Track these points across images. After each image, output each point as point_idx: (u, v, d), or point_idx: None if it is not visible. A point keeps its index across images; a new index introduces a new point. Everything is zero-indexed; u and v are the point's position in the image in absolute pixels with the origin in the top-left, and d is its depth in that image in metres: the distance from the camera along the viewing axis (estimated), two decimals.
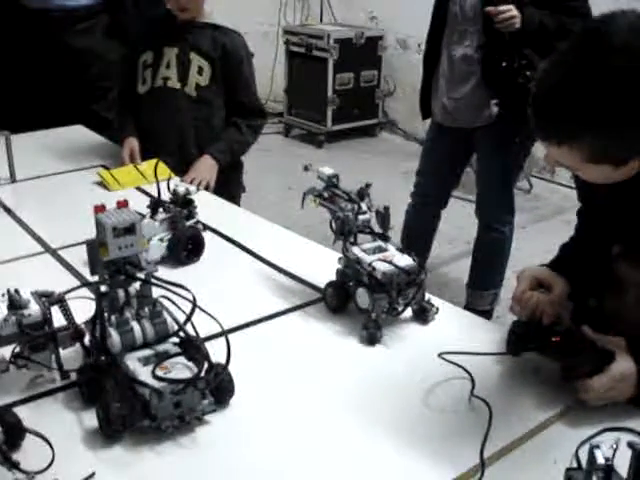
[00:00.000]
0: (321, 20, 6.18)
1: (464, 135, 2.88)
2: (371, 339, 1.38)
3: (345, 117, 5.67)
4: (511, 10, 2.46)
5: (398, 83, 5.88)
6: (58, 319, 1.26)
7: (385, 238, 1.46)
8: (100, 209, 1.17)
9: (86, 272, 1.60)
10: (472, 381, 1.23)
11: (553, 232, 4.18)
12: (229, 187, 2.43)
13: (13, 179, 2.30)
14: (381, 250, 1.45)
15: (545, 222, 4.43)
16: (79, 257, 1.74)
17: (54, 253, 1.80)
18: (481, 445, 1.08)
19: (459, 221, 4.39)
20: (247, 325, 1.44)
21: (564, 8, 2.48)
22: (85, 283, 1.33)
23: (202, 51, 2.37)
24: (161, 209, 1.77)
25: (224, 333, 1.14)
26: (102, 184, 2.24)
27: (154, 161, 1.92)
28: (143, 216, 1.66)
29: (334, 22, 6.05)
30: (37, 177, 2.34)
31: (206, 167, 2.34)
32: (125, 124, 2.48)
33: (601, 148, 1.12)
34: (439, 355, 1.29)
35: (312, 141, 5.67)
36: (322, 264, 1.61)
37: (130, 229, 1.16)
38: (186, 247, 1.73)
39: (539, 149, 4.86)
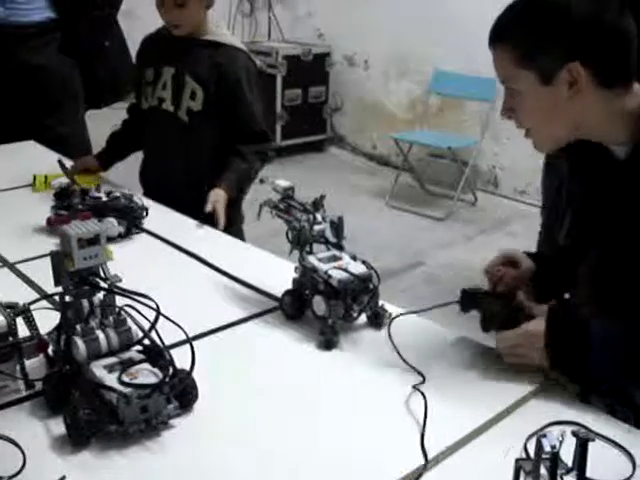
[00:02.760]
0: (269, 37, 6.25)
1: None
2: (328, 344, 1.43)
3: (294, 132, 5.75)
4: None
5: (345, 99, 5.98)
6: (22, 330, 1.29)
7: (339, 247, 1.52)
8: (65, 220, 1.20)
9: (45, 285, 1.65)
10: (422, 377, 1.30)
11: (497, 243, 4.32)
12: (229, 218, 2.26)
13: None
14: (336, 259, 1.50)
15: (489, 234, 4.55)
16: (37, 270, 1.77)
17: (12, 267, 1.81)
18: (421, 438, 1.14)
19: (406, 232, 4.49)
20: (208, 333, 1.48)
21: None
22: (49, 294, 1.36)
23: (196, 73, 2.26)
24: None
25: (188, 340, 1.18)
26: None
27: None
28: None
29: (282, 39, 6.13)
30: None
31: (221, 203, 2.19)
32: (109, 141, 2.51)
33: (527, 50, 1.28)
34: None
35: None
36: (278, 274, 1.66)
37: (94, 240, 1.19)
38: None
39: (483, 161, 5.01)
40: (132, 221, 2.00)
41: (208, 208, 2.14)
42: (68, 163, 2.53)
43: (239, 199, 2.41)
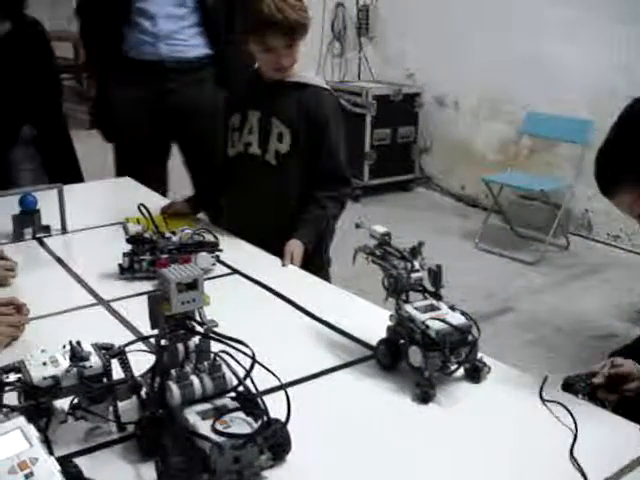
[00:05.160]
0: (359, 77, 6.28)
1: None
2: (424, 397, 1.38)
3: (382, 172, 5.74)
4: None
5: (434, 139, 5.94)
6: (116, 371, 1.29)
7: (438, 296, 1.48)
8: (165, 264, 1.20)
9: (138, 325, 1.67)
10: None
11: (590, 290, 4.18)
12: (314, 263, 2.26)
13: (64, 230, 2.36)
14: (433, 308, 1.45)
15: (582, 280, 4.41)
16: (131, 309, 1.78)
17: (107, 305, 1.83)
18: None
19: (495, 276, 4.39)
20: (300, 381, 1.45)
21: None
22: (144, 337, 1.35)
23: (284, 116, 2.25)
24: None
25: (284, 390, 1.16)
26: None
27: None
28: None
29: (372, 79, 6.15)
30: (87, 228, 2.40)
31: (297, 253, 2.16)
32: (201, 187, 2.55)
33: None
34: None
35: (354, 190, 5.71)
36: (371, 321, 1.63)
37: (193, 285, 1.18)
38: None
39: (576, 205, 4.88)
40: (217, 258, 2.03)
41: (285, 262, 2.12)
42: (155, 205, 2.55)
43: (323, 245, 2.39)
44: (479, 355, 1.46)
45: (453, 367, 1.41)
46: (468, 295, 3.65)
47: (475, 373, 1.45)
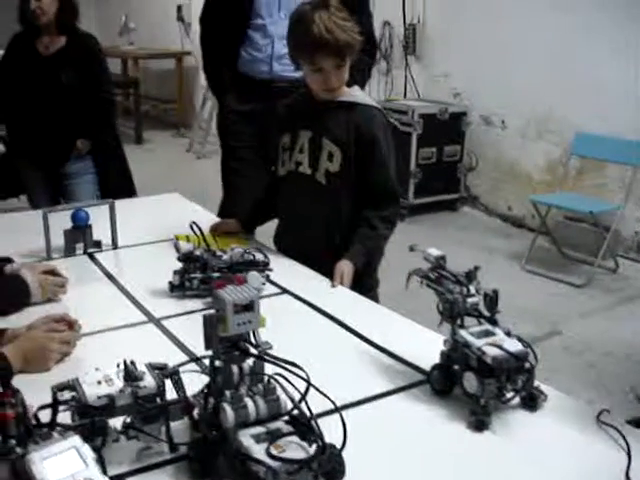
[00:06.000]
0: (405, 96, 6.27)
1: None
2: (479, 425, 1.35)
3: (427, 191, 5.70)
4: None
5: (481, 158, 5.89)
6: (169, 391, 1.28)
7: (493, 322, 1.45)
8: (221, 285, 1.19)
9: (189, 343, 1.66)
10: None
11: None
12: (363, 283, 2.23)
13: (115, 246, 2.38)
14: (489, 334, 1.43)
15: (631, 303, 4.32)
16: (181, 328, 1.78)
17: (157, 323, 1.83)
18: None
19: (542, 298, 4.33)
20: (352, 405, 1.43)
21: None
22: (198, 357, 1.35)
23: (334, 135, 2.25)
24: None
25: (340, 413, 1.14)
26: None
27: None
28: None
29: (418, 98, 6.13)
30: (137, 244, 2.41)
31: (347, 273, 2.16)
32: (252, 206, 2.57)
33: None
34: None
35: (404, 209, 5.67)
36: (424, 345, 1.61)
37: (249, 306, 1.18)
38: None
39: (626, 227, 4.79)
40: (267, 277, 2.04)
41: (335, 283, 2.11)
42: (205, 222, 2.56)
43: (372, 265, 2.36)
44: (535, 383, 1.43)
45: (509, 395, 1.38)
46: (515, 318, 3.59)
47: (531, 401, 1.42)
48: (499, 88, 5.53)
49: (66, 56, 3.43)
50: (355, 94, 2.31)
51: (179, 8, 8.66)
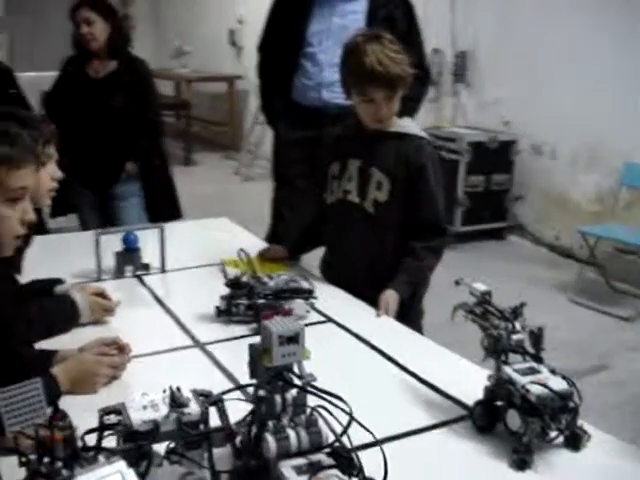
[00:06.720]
0: (454, 123, 6.26)
1: None
2: (521, 464, 1.34)
3: (474, 219, 5.67)
4: None
5: (529, 188, 5.84)
6: (213, 418, 1.30)
7: (538, 359, 1.44)
8: (268, 316, 1.21)
9: (234, 370, 1.68)
10: None
11: None
12: (408, 313, 2.24)
13: (163, 269, 2.41)
14: (534, 371, 1.42)
15: None
16: (227, 353, 1.80)
17: (202, 348, 1.86)
18: None
19: (589, 331, 4.26)
20: (393, 439, 1.43)
21: None
22: (242, 385, 1.36)
23: (383, 165, 2.26)
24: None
25: (381, 448, 1.14)
26: None
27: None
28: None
29: (467, 125, 6.12)
30: (185, 268, 2.45)
31: (392, 303, 2.16)
32: (300, 233, 2.60)
33: None
34: None
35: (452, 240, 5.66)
36: (467, 378, 1.61)
37: (294, 338, 1.19)
38: None
39: None
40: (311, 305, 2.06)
41: (380, 312, 2.12)
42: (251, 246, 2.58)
43: (418, 296, 2.36)
44: (579, 422, 1.41)
45: (553, 434, 1.37)
46: (560, 350, 3.52)
47: (575, 441, 1.40)
48: (549, 117, 5.49)
49: (116, 80, 3.51)
50: (405, 124, 2.32)
51: (231, 32, 8.80)
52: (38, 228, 3.09)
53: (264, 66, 3.34)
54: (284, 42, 3.17)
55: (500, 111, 5.94)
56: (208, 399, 1.30)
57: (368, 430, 1.16)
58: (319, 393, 1.20)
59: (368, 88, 2.18)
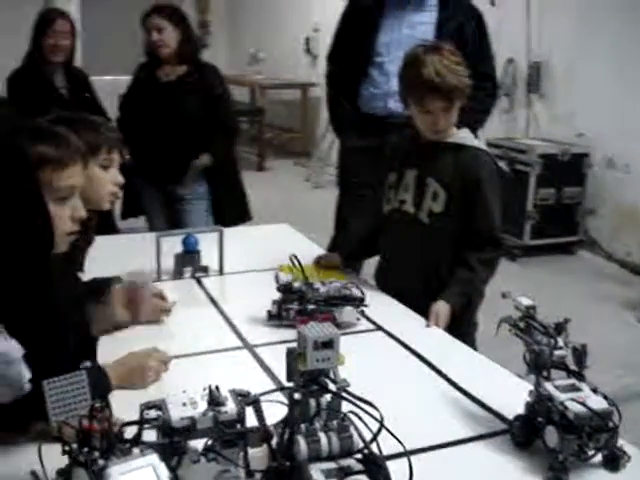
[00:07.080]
0: (527, 134, 6.18)
1: None
2: None
3: (544, 232, 5.57)
4: None
5: (602, 202, 5.72)
6: (250, 417, 1.32)
7: (580, 377, 1.42)
8: (304, 321, 1.23)
9: (279, 373, 1.71)
10: None
11: None
12: (460, 325, 2.23)
13: (221, 272, 2.46)
14: (575, 389, 1.40)
15: None
16: (274, 356, 1.83)
17: (251, 350, 1.89)
18: None
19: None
20: (427, 449, 1.43)
21: None
22: (280, 387, 1.39)
23: (440, 176, 2.26)
24: None
25: (408, 457, 1.15)
26: None
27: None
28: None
29: (539, 137, 6.03)
30: (242, 272, 2.49)
31: (443, 314, 2.15)
32: (357, 242, 2.63)
33: None
34: None
35: (506, 254, 5.58)
36: (509, 392, 1.60)
37: (329, 343, 1.21)
38: None
39: None
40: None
41: (430, 323, 2.12)
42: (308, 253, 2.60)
43: (471, 308, 2.34)
44: (619, 443, 1.39)
45: (590, 453, 1.35)
46: (623, 371, 3.47)
47: (613, 462, 1.38)
48: (624, 130, 5.37)
49: (185, 83, 3.59)
50: (463, 136, 2.32)
51: (307, 40, 8.87)
52: (108, 229, 3.21)
53: (333, 76, 3.39)
54: (353, 52, 3.21)
55: (574, 123, 5.83)
56: (245, 399, 1.33)
57: (397, 439, 1.17)
58: (349, 398, 1.21)
59: (426, 99, 2.18)
